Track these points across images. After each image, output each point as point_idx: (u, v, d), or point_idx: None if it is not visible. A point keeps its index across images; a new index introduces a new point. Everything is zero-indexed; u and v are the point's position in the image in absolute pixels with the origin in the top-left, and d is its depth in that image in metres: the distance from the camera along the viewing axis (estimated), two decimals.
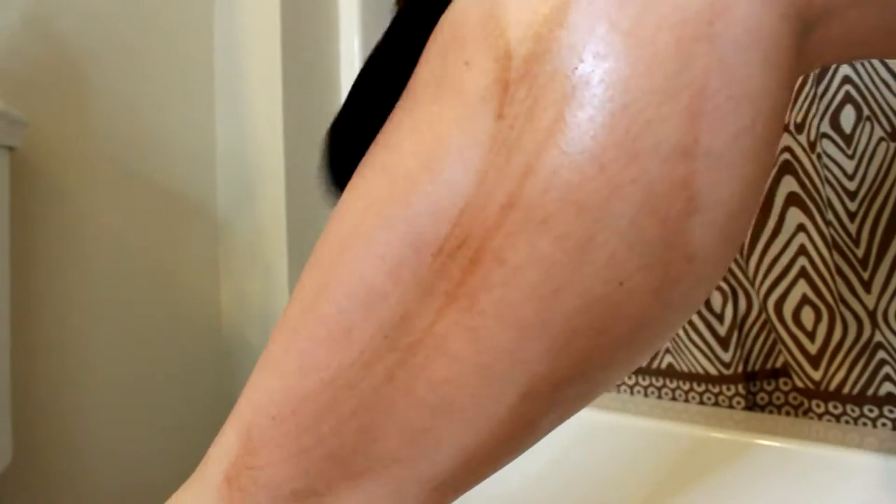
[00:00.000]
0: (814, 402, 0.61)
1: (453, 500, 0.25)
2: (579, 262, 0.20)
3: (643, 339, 0.22)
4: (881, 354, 0.58)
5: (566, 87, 0.20)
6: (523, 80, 0.20)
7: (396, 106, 0.25)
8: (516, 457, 0.25)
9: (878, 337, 0.58)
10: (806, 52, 0.22)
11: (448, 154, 0.21)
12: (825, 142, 0.59)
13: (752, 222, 0.23)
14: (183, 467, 0.91)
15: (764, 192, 0.22)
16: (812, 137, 0.59)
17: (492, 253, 0.21)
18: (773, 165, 0.22)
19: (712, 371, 0.67)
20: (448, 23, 0.23)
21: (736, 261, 0.63)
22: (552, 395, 0.23)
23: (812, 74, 0.59)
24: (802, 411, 0.64)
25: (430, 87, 0.23)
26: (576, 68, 0.20)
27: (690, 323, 0.67)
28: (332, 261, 0.24)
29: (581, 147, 0.20)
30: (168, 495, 0.28)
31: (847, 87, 0.57)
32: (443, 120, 0.22)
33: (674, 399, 0.70)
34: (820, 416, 0.61)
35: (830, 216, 0.59)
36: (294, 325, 0.25)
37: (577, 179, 0.20)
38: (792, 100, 0.60)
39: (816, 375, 0.61)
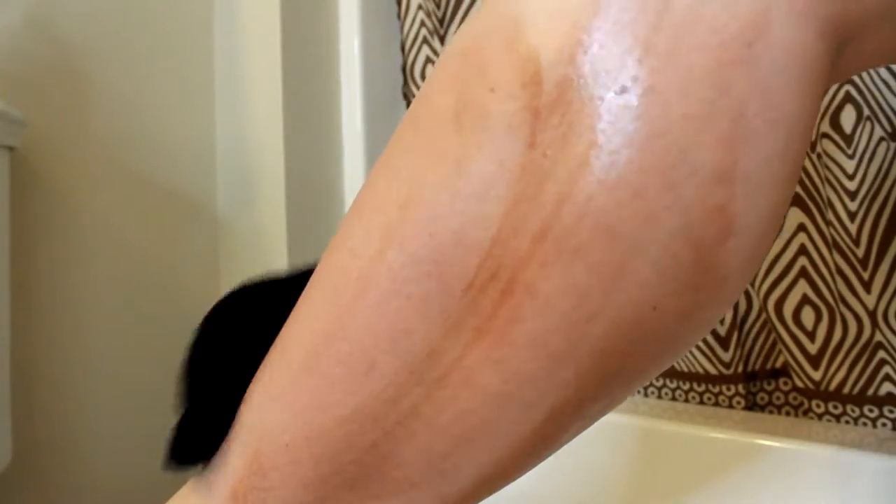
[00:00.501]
0: (814, 402, 0.61)
1: None
2: (612, 288, 0.20)
3: (666, 357, 0.22)
4: (881, 354, 0.58)
5: (601, 112, 0.19)
6: (556, 106, 0.20)
7: (396, 139, 0.24)
8: (531, 469, 0.25)
9: (878, 337, 0.58)
10: (837, 69, 0.22)
11: (474, 184, 0.21)
12: (825, 142, 0.59)
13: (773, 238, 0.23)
14: None
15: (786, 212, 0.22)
16: (812, 137, 0.59)
17: (524, 284, 0.20)
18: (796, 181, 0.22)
19: (712, 371, 0.67)
20: (461, 50, 0.22)
21: None
22: (575, 414, 0.23)
23: None
24: (802, 411, 0.64)
25: (449, 117, 0.22)
26: (612, 92, 0.19)
27: None
28: (348, 298, 0.23)
29: (616, 173, 0.19)
30: (166, 496, 0.28)
31: (847, 87, 0.57)
32: (466, 149, 0.21)
33: (674, 399, 0.70)
34: (820, 416, 0.61)
35: (830, 216, 0.59)
36: (303, 361, 0.24)
37: (612, 205, 0.19)
38: None
39: (816, 375, 0.61)
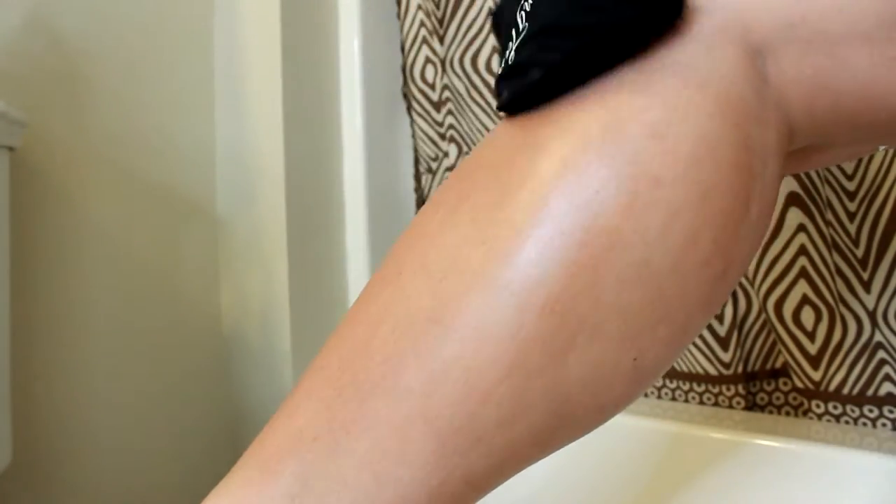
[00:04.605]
0: (814, 403, 0.61)
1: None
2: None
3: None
4: (881, 354, 0.58)
5: None
6: None
7: None
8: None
9: (877, 337, 0.58)
10: (772, 82, 0.24)
11: None
12: None
13: (738, 202, 0.25)
14: (182, 467, 0.91)
15: (741, 172, 0.24)
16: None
17: None
18: (751, 154, 0.24)
19: (712, 371, 0.67)
20: None
21: None
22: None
23: None
24: (802, 411, 0.64)
25: None
26: None
27: None
28: None
29: None
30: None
31: None
32: None
33: (674, 399, 0.70)
34: (820, 417, 0.61)
35: (830, 216, 0.59)
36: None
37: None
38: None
39: (816, 375, 0.61)
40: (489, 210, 0.24)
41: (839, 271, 0.59)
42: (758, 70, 0.24)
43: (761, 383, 0.66)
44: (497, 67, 0.28)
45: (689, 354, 0.68)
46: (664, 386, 0.71)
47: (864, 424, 0.59)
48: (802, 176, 0.60)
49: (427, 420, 0.24)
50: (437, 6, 0.85)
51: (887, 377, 0.58)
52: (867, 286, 0.58)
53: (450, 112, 0.86)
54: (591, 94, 0.24)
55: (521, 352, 0.24)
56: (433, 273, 0.25)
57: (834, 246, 0.59)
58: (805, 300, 0.61)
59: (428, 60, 0.87)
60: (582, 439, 0.26)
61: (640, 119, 0.23)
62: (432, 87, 0.87)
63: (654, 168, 0.23)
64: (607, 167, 0.23)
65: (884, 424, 0.58)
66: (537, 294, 0.23)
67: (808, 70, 0.24)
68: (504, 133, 0.26)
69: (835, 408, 0.60)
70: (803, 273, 0.61)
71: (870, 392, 0.59)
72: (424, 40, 0.87)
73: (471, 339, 0.24)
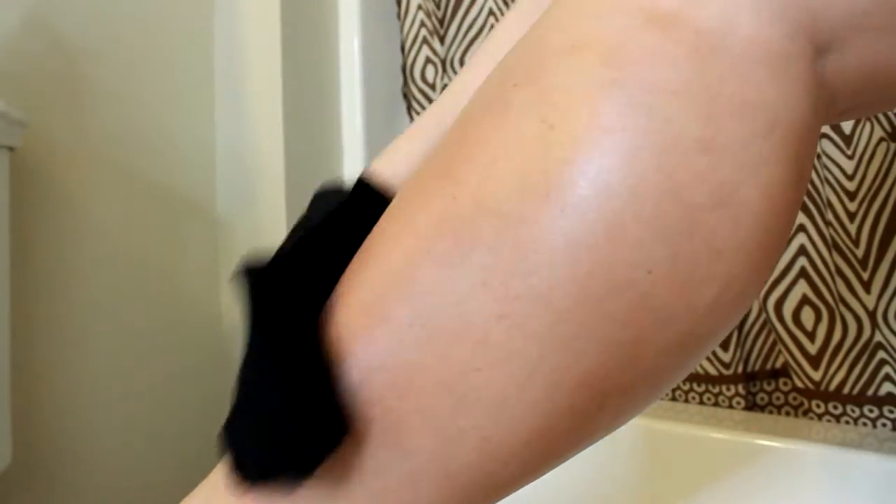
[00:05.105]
0: (814, 403, 0.61)
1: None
2: (608, 245, 0.21)
3: (667, 337, 0.23)
4: (881, 354, 0.58)
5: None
6: None
7: None
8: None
9: (877, 337, 0.58)
10: (827, 81, 0.22)
11: None
12: (825, 142, 0.59)
13: (785, 234, 0.23)
14: (182, 467, 0.91)
15: (793, 207, 0.22)
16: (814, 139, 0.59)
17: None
18: (803, 181, 0.23)
19: (712, 371, 0.67)
20: None
21: None
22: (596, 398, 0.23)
23: None
24: (802, 411, 0.64)
25: None
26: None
27: None
28: None
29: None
30: (166, 496, 0.28)
31: None
32: None
33: (674, 399, 0.70)
34: (820, 417, 0.61)
35: (830, 216, 0.59)
36: None
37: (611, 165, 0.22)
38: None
39: (816, 376, 0.61)
40: (506, 277, 0.21)
41: (839, 271, 0.59)
42: (818, 77, 0.22)
43: (761, 383, 0.66)
44: None
45: None
46: None
47: (864, 424, 0.59)
48: None
49: (440, 477, 0.22)
50: (438, 6, 0.85)
51: (887, 377, 0.58)
52: (867, 286, 0.58)
53: None
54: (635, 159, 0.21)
55: (547, 422, 0.22)
56: (437, 330, 0.21)
57: (834, 246, 0.59)
58: (805, 300, 0.61)
59: (428, 60, 0.87)
60: None
61: (704, 184, 0.20)
62: (433, 87, 0.87)
63: (717, 241, 0.20)
64: (662, 241, 0.20)
65: (884, 424, 0.58)
66: (570, 374, 0.21)
67: (870, 57, 0.22)
68: (513, 159, 0.21)
69: (835, 408, 0.60)
70: (803, 273, 0.61)
71: (870, 392, 0.59)
72: (425, 40, 0.87)
73: (489, 414, 0.21)
